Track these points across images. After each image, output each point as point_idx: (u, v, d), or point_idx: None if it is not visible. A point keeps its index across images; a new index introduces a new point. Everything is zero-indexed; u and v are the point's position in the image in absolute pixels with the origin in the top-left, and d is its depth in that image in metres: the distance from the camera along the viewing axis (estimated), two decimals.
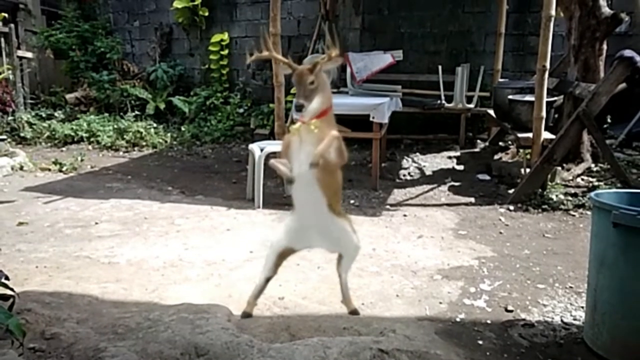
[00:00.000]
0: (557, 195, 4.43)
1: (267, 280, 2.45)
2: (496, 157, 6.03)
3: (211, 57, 8.29)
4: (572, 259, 3.31)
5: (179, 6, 8.23)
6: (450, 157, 6.20)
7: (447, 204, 4.58)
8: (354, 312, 2.52)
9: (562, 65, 5.76)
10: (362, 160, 6.04)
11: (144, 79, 8.84)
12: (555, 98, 5.17)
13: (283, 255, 2.43)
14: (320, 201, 2.24)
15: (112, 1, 9.45)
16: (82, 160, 6.16)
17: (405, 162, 5.99)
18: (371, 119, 4.80)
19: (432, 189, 5.04)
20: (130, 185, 5.26)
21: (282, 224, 2.54)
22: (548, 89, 4.65)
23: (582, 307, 2.58)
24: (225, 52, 8.29)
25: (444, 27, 7.01)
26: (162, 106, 8.34)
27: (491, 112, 5.94)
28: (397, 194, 4.90)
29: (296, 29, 7.85)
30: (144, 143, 7.26)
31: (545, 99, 4.54)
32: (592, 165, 5.16)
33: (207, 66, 8.47)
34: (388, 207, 4.52)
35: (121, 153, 6.96)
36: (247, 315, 2.45)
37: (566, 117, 5.07)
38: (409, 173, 5.61)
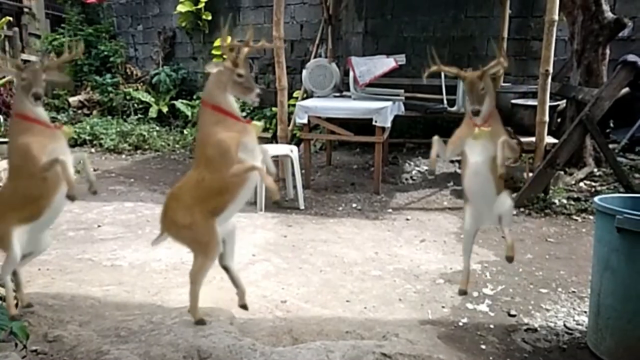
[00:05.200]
0: (559, 200, 4.43)
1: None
2: None
3: (214, 60, 8.31)
4: (575, 264, 3.30)
5: (183, 10, 8.26)
6: (452, 161, 6.19)
7: (450, 208, 4.57)
8: (244, 306, 2.48)
9: (565, 69, 5.75)
10: (364, 164, 6.04)
11: (147, 83, 8.86)
12: (558, 102, 5.17)
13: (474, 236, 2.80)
14: (491, 187, 2.53)
15: (116, 5, 9.49)
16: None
17: (408, 166, 5.98)
18: (374, 122, 4.81)
19: (434, 193, 5.04)
20: (133, 188, 5.27)
21: (466, 213, 2.74)
22: (551, 93, 4.65)
23: (585, 312, 2.57)
24: None
25: (446, 32, 7.02)
26: (165, 109, 8.36)
27: None
28: (400, 198, 4.89)
29: (299, 33, 7.86)
30: (147, 146, 7.27)
31: (548, 104, 4.54)
32: (595, 170, 5.15)
33: None
34: (390, 211, 4.52)
35: (124, 156, 6.97)
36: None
37: (569, 121, 5.06)
38: (411, 177, 5.61)
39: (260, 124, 2.36)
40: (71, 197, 2.29)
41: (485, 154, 2.48)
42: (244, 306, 2.44)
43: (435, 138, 2.64)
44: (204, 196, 2.25)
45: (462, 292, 2.83)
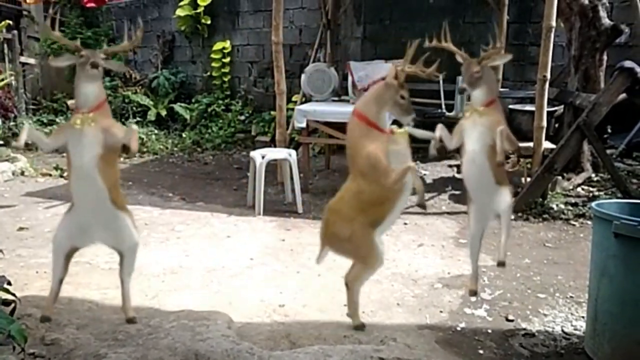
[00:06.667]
0: (557, 205, 4.44)
1: None
2: None
3: (213, 64, 8.32)
4: (573, 269, 3.31)
5: (182, 14, 8.28)
6: (450, 166, 6.19)
7: (448, 213, 4.58)
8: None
9: (563, 75, 5.78)
10: None
11: (145, 86, 8.87)
12: (556, 108, 5.19)
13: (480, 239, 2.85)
14: (488, 175, 2.54)
15: (115, 9, 9.50)
16: None
17: None
18: None
19: (432, 197, 5.04)
20: (131, 192, 5.25)
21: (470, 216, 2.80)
22: (548, 98, 4.66)
23: (583, 317, 2.58)
24: (227, 59, 8.32)
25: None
26: (163, 113, 8.36)
27: None
28: None
29: (298, 38, 7.88)
30: (145, 149, 7.26)
31: (545, 109, 4.56)
32: (593, 175, 5.17)
33: (208, 73, 8.51)
34: None
35: (122, 159, 6.96)
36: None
37: (567, 127, 5.08)
38: None
39: (405, 130, 2.36)
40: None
41: (481, 141, 2.49)
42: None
43: (440, 125, 2.65)
44: (364, 208, 2.28)
45: (473, 293, 2.85)
